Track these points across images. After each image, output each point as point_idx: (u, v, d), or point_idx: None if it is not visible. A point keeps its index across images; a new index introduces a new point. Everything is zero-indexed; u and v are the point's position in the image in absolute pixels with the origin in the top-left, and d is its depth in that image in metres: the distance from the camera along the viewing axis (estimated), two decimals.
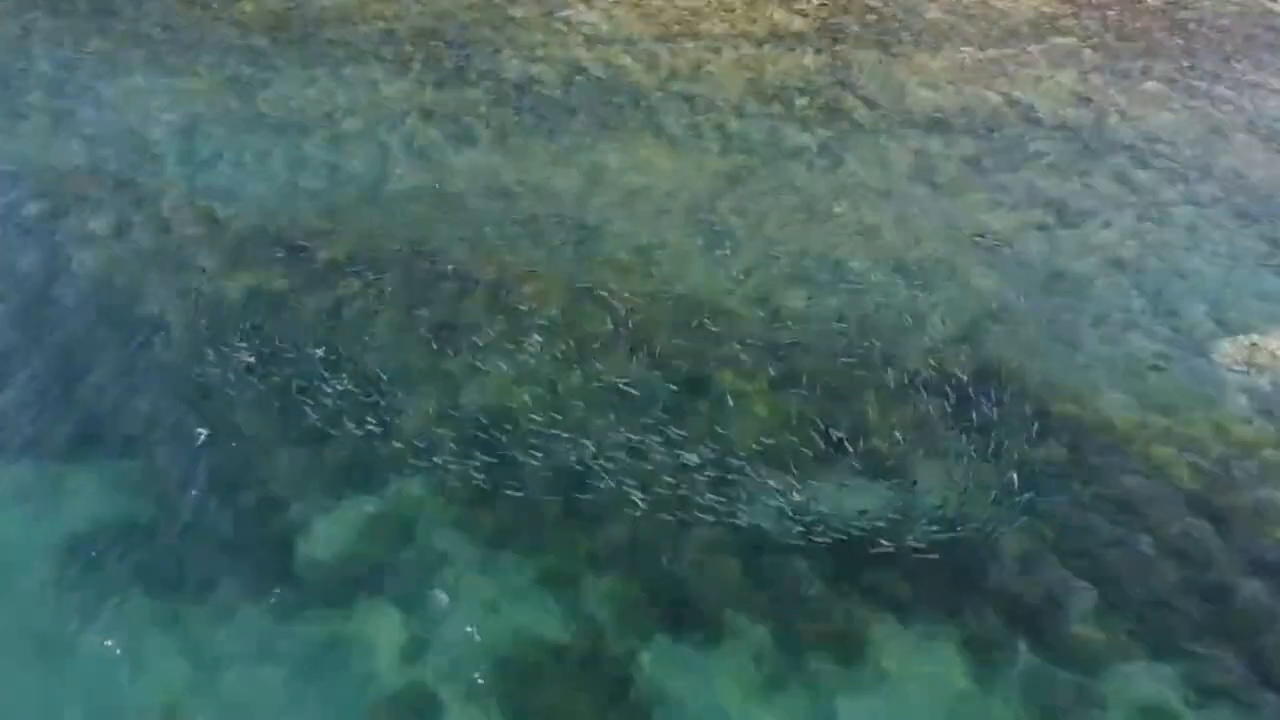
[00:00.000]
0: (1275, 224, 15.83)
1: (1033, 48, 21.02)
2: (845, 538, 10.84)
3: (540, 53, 20.62)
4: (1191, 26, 22.07)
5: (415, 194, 16.34)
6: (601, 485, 11.39)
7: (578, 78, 19.67)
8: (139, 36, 20.87)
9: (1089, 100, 19.16)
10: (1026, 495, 11.41)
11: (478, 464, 11.59)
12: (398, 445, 11.82)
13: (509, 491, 11.34)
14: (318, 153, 17.36)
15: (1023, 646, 9.96)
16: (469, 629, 10.15)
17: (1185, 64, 20.49)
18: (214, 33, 21.02)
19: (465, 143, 17.67)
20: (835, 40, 21.19)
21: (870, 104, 18.93)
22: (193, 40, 20.75)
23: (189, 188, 16.36)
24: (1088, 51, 20.99)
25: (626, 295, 14.11)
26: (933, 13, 22.20)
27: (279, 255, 14.81)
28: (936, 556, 10.66)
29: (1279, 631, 10.10)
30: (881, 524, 10.99)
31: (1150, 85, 19.73)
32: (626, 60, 20.29)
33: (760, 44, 21.11)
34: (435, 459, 11.66)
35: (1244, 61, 20.72)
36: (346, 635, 10.10)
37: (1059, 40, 21.34)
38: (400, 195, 16.32)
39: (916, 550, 10.73)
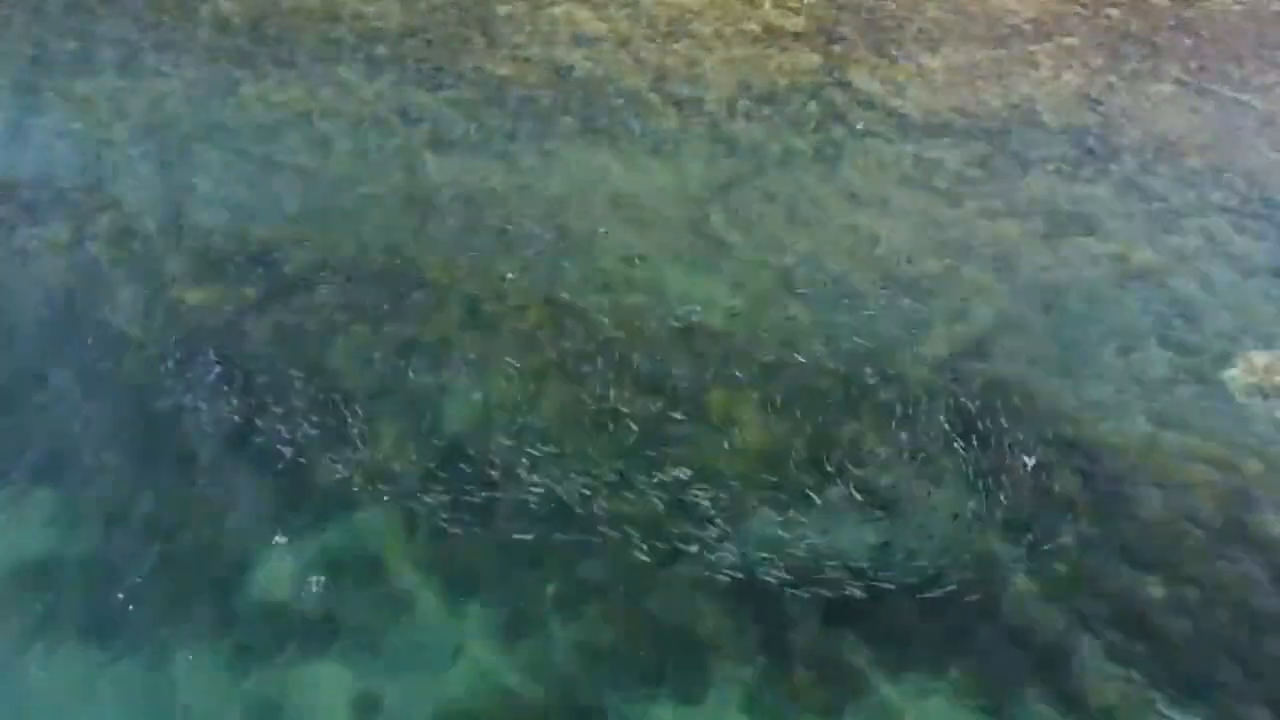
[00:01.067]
0: None
1: (1036, 48, 20.24)
2: (839, 576, 10.12)
3: (527, 52, 19.82)
4: (1201, 27, 21.29)
5: (390, 200, 15.56)
6: (578, 519, 10.67)
7: (565, 79, 18.89)
8: (112, 36, 20.05)
9: (1096, 103, 18.40)
10: (1033, 527, 10.69)
11: (446, 495, 10.87)
12: (360, 474, 11.09)
13: (479, 525, 10.63)
14: (290, 157, 16.57)
15: (1029, 697, 9.24)
16: (430, 677, 9.42)
17: (1195, 65, 19.72)
18: (189, 32, 20.21)
19: (445, 146, 16.89)
20: (832, 41, 20.41)
21: (867, 107, 18.16)
22: (166, 40, 19.95)
23: (153, 194, 15.55)
24: (1093, 52, 20.21)
25: (610, 310, 13.37)
26: (932, 12, 21.41)
27: (243, 266, 14.03)
28: (937, 596, 9.94)
29: None
30: (878, 560, 10.27)
31: (1159, 87, 18.96)
32: (616, 61, 19.51)
33: (755, 44, 20.32)
34: (400, 489, 10.94)
35: (1256, 62, 19.95)
36: (297, 682, 9.40)
37: (1064, 40, 20.56)
38: (374, 201, 15.53)
39: (915, 589, 10.00)
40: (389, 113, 17.81)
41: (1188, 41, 20.67)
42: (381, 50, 19.83)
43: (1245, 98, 18.65)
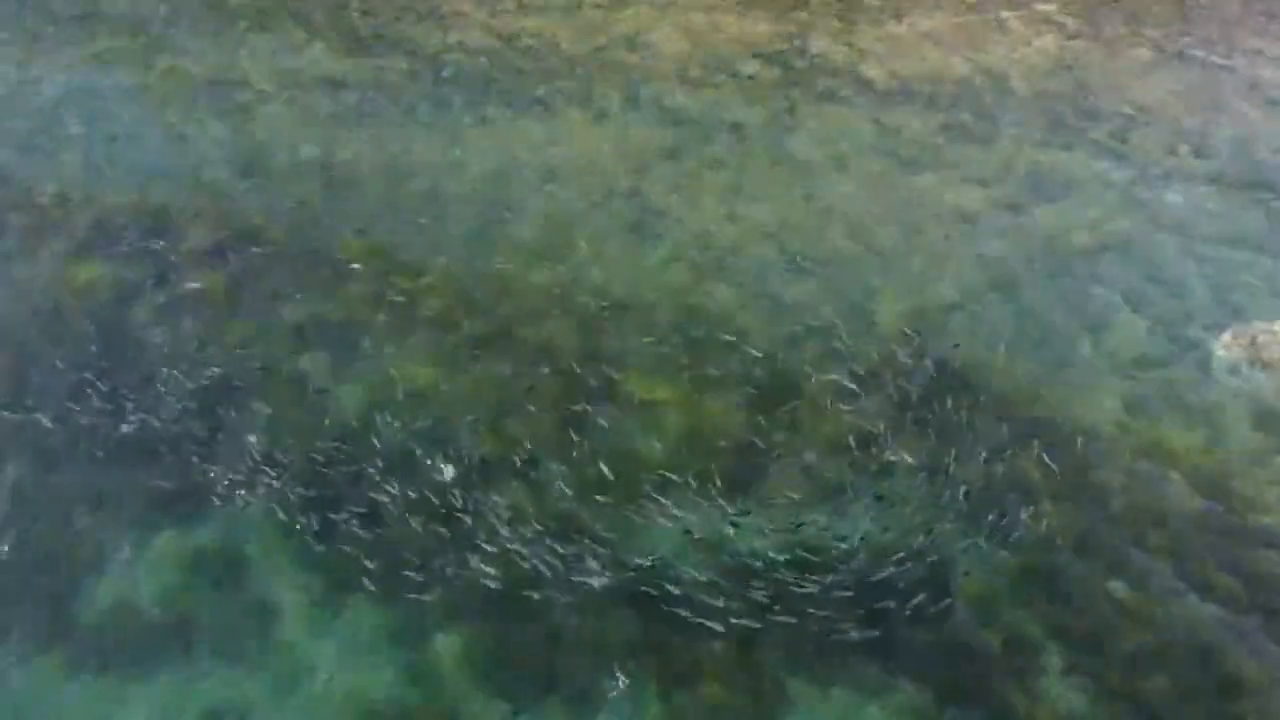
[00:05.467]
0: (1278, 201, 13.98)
1: (1009, 14, 19.10)
2: (764, 578, 8.97)
3: (470, 19, 18.65)
4: None
5: (306, 172, 14.39)
6: (478, 517, 9.51)
7: (508, 46, 17.71)
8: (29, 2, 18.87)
9: (1070, 68, 17.27)
10: (987, 521, 9.56)
11: (328, 491, 9.76)
12: (237, 467, 9.94)
13: (367, 523, 9.50)
14: (206, 127, 15.38)
15: (975, 715, 8.10)
16: (298, 694, 8.27)
17: (1177, 29, 18.59)
18: None
19: (371, 116, 15.70)
20: (794, 5, 19.24)
21: (827, 73, 17.00)
22: (88, 6, 18.72)
23: (51, 165, 14.38)
24: (1070, 18, 19.06)
25: (532, 286, 12.23)
26: None
27: (138, 241, 12.92)
28: (878, 598, 8.82)
29: None
30: (810, 559, 9.13)
31: (1139, 52, 17.83)
32: (560, 27, 18.32)
33: (712, 10, 19.14)
34: (277, 484, 9.79)
35: (1238, 28, 18.83)
36: (147, 697, 8.28)
37: (1039, 6, 19.42)
38: (288, 173, 14.37)
39: (854, 589, 8.88)
40: (315, 81, 16.63)
41: (1170, 6, 19.54)
42: (317, 17, 18.67)
43: (1227, 63, 17.52)
